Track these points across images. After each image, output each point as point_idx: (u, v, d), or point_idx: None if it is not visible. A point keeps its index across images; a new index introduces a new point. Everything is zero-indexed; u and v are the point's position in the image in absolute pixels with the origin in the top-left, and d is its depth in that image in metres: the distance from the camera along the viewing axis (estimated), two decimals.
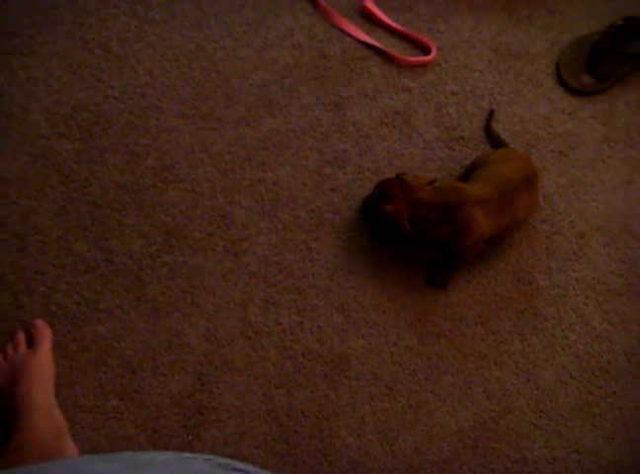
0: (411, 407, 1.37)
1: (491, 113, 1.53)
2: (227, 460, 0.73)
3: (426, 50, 1.59)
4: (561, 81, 1.58)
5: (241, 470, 0.73)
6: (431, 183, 1.34)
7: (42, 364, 1.30)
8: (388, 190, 1.34)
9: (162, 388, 1.35)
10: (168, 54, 1.55)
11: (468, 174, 1.42)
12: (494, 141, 1.52)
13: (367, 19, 1.61)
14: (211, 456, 0.74)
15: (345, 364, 1.38)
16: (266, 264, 1.43)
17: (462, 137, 1.53)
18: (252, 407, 1.35)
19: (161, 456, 0.70)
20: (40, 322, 1.35)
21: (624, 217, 1.49)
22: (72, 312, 1.38)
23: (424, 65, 1.58)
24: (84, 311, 1.38)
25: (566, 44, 1.60)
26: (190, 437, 1.34)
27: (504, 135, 1.52)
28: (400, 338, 1.40)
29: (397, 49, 1.58)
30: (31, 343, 1.33)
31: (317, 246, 1.44)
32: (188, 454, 0.73)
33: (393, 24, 1.59)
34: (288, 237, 1.45)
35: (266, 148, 1.50)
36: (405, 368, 1.38)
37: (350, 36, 1.59)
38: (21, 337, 1.34)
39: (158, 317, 1.39)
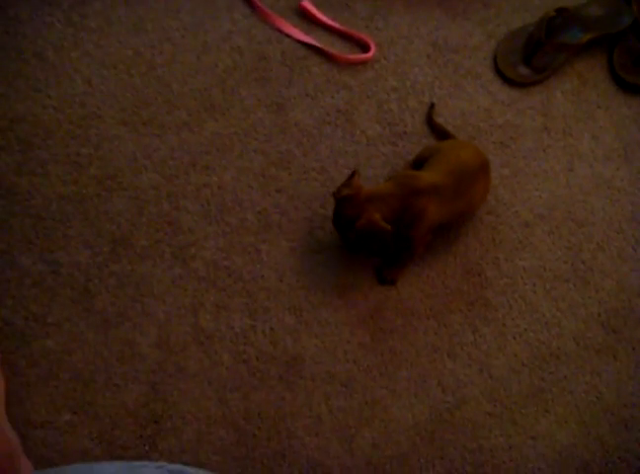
0: (367, 403, 1.37)
1: (431, 105, 1.55)
2: (179, 466, 0.73)
3: (365, 48, 1.59)
4: (499, 73, 1.60)
5: None
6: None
7: None
8: (346, 212, 1.31)
9: (116, 399, 1.34)
10: (106, 62, 1.53)
11: (418, 164, 1.43)
12: (439, 133, 1.53)
13: (305, 18, 1.61)
14: (162, 463, 0.73)
15: (299, 365, 1.38)
16: (215, 268, 1.42)
17: (405, 132, 1.54)
18: (208, 413, 1.34)
19: (111, 466, 0.70)
20: None
21: (567, 205, 1.51)
22: (20, 327, 1.36)
23: (363, 63, 1.58)
24: (32, 326, 1.36)
25: (502, 37, 1.62)
26: (146, 447, 1.32)
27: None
28: (353, 335, 1.40)
29: (336, 48, 1.59)
30: None
31: (265, 248, 1.44)
32: (138, 463, 0.72)
33: (331, 22, 1.60)
34: (236, 240, 1.44)
35: (209, 152, 1.49)
36: (359, 365, 1.39)
37: (288, 36, 1.59)
38: None
39: (108, 328, 1.38)
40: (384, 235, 1.30)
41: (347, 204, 1.31)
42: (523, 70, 1.59)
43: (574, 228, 1.50)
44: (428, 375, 1.39)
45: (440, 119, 1.54)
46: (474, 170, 1.36)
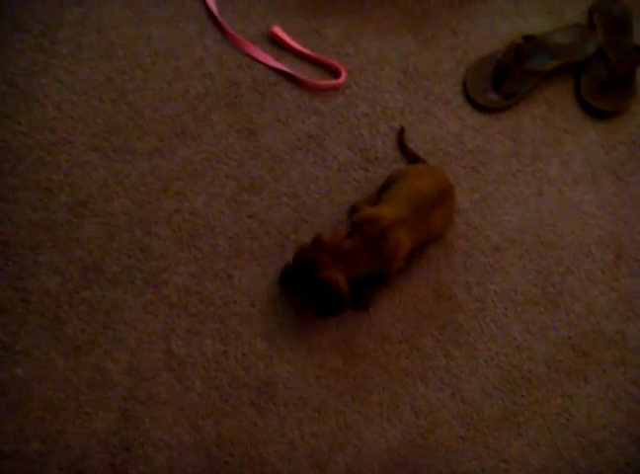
0: (340, 429, 1.37)
1: (401, 130, 1.56)
2: None
3: (336, 74, 1.61)
4: (469, 99, 1.62)
5: None
6: (348, 234, 1.35)
7: None
8: (314, 257, 1.30)
9: (86, 427, 1.32)
10: (76, 88, 1.53)
11: (386, 189, 1.44)
12: (410, 158, 1.54)
13: (276, 45, 1.62)
14: None
15: (271, 390, 1.37)
16: (186, 294, 1.42)
17: (376, 158, 1.55)
18: (180, 440, 1.33)
19: None
20: None
21: (537, 229, 1.53)
22: None
23: (334, 88, 1.59)
24: (0, 354, 1.34)
25: (471, 64, 1.64)
26: None
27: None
28: (325, 360, 1.40)
29: (307, 74, 1.60)
30: None
31: (237, 273, 1.44)
32: None
33: (302, 49, 1.61)
34: (208, 266, 1.44)
35: (181, 178, 1.49)
36: (332, 390, 1.38)
37: (260, 62, 1.60)
38: None
39: (79, 355, 1.36)
40: (341, 298, 1.30)
41: (318, 249, 1.31)
42: (493, 96, 1.61)
43: (544, 252, 1.51)
44: (400, 400, 1.39)
45: (410, 145, 1.55)
46: (430, 199, 1.36)
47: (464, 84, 1.63)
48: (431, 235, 1.40)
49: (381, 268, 1.34)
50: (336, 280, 1.29)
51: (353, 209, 1.48)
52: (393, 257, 1.32)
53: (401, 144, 1.55)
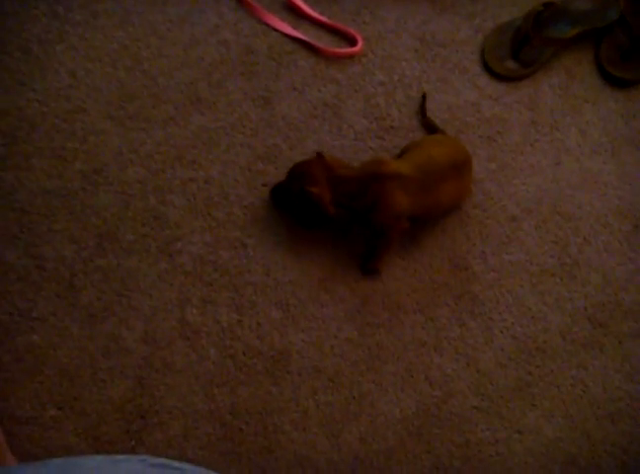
0: (354, 398, 1.37)
1: (423, 97, 1.54)
2: (161, 459, 0.73)
3: (352, 42, 1.59)
4: (487, 67, 1.60)
5: (175, 468, 0.72)
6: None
7: None
8: (307, 171, 1.34)
9: (102, 394, 1.33)
10: (91, 55, 1.52)
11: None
12: (428, 126, 1.52)
13: (293, 12, 1.60)
14: (145, 456, 0.73)
15: (286, 359, 1.38)
16: (201, 263, 1.42)
17: (392, 127, 1.53)
18: (194, 408, 1.34)
19: (92, 461, 0.69)
20: None
21: (554, 199, 1.51)
22: (4, 322, 1.35)
23: (351, 57, 1.58)
24: (17, 320, 1.35)
25: (489, 31, 1.62)
26: (133, 442, 1.32)
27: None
28: (340, 330, 1.40)
29: (323, 42, 1.58)
30: None
31: (252, 242, 1.44)
32: (120, 456, 0.72)
33: (318, 16, 1.59)
34: (223, 235, 1.44)
35: (196, 146, 1.48)
36: (346, 360, 1.39)
37: (276, 30, 1.58)
38: None
39: (94, 322, 1.37)
40: (324, 212, 1.33)
41: (316, 164, 1.34)
42: (511, 64, 1.59)
43: (561, 222, 1.50)
44: (415, 370, 1.39)
45: (428, 113, 1.54)
46: (442, 168, 1.36)
47: (482, 52, 1.61)
48: (439, 205, 1.38)
49: (366, 211, 1.34)
50: (320, 195, 1.31)
51: None
52: (379, 203, 1.32)
53: (423, 111, 1.53)
